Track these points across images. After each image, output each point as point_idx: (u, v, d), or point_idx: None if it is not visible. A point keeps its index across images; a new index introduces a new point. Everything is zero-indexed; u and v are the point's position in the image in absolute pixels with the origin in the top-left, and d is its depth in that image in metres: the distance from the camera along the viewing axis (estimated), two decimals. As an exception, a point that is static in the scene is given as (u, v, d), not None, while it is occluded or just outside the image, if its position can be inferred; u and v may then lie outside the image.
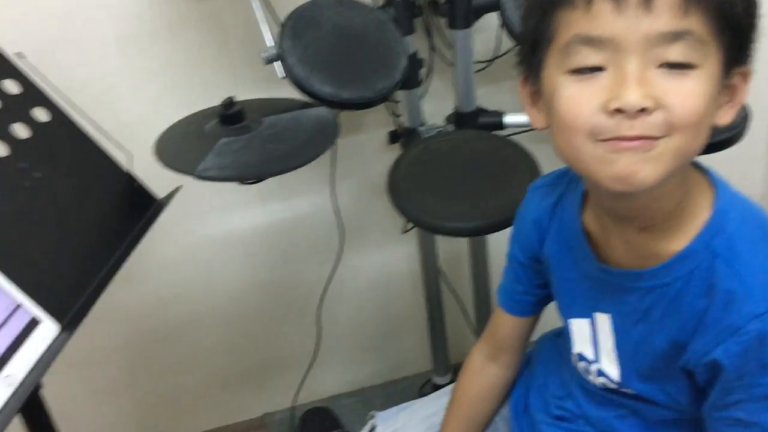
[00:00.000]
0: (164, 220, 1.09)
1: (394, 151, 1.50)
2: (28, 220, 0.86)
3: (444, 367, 1.73)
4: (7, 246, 0.82)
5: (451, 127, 1.40)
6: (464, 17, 1.30)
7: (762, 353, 0.65)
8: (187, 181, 1.02)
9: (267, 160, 1.00)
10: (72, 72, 1.30)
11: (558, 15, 0.63)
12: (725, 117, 0.66)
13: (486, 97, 1.41)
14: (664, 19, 0.59)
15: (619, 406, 0.83)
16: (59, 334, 0.82)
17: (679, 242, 0.70)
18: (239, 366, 1.74)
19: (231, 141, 1.03)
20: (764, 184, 1.85)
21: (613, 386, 0.81)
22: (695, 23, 0.59)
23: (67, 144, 0.97)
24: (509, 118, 1.37)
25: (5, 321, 0.78)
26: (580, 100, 0.62)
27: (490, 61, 1.45)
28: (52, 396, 0.99)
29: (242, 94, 1.24)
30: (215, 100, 1.11)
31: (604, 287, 0.78)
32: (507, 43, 1.42)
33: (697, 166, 0.73)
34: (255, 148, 1.02)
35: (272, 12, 1.28)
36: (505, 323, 0.96)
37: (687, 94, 0.60)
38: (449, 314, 1.66)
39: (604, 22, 0.60)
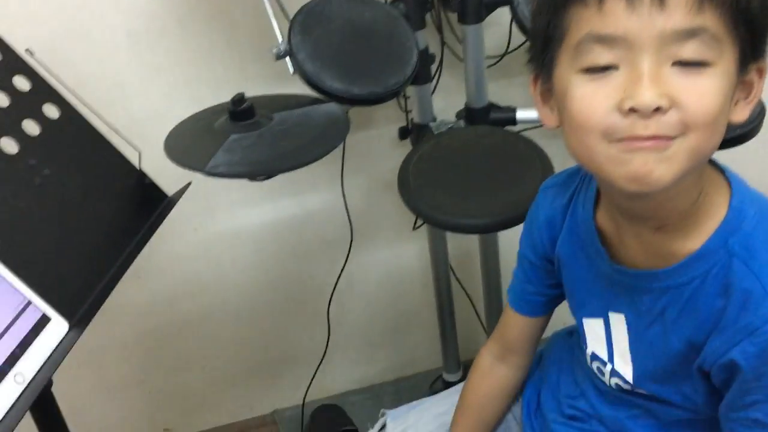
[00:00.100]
0: (174, 216, 1.09)
1: (405, 147, 1.49)
2: (38, 218, 0.86)
3: (454, 364, 1.72)
4: (16, 243, 0.81)
5: (462, 123, 1.39)
6: (475, 12, 1.29)
7: None
8: (198, 177, 1.01)
9: (277, 157, 0.99)
10: (82, 68, 1.30)
11: (570, 12, 0.62)
12: (741, 114, 0.65)
13: (498, 93, 1.40)
14: (678, 16, 0.58)
15: (632, 406, 0.82)
16: (69, 332, 0.81)
17: (695, 241, 0.69)
18: (249, 362, 1.74)
19: (241, 137, 1.03)
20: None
21: (626, 387, 0.80)
22: (710, 20, 0.58)
23: (76, 140, 0.96)
24: (521, 114, 1.36)
25: (15, 319, 0.78)
26: (593, 99, 0.61)
27: (502, 56, 1.44)
28: (62, 392, 0.99)
29: (252, 90, 1.24)
30: (225, 96, 1.11)
31: (618, 287, 0.77)
32: (519, 37, 1.40)
33: (713, 164, 0.72)
34: (265, 145, 1.02)
35: (282, 7, 1.27)
36: (515, 324, 0.95)
37: (702, 93, 0.59)
38: (459, 311, 1.66)
39: (617, 20, 0.59)
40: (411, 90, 1.37)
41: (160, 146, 1.06)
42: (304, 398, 1.75)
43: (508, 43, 1.43)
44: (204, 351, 1.69)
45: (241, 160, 0.98)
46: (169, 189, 1.11)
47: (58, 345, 0.80)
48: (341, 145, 1.39)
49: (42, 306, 0.80)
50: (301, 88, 1.15)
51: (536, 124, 1.39)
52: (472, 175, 1.16)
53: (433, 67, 1.39)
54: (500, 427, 1.01)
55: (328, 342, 1.71)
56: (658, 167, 0.60)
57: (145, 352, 1.65)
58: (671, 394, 0.76)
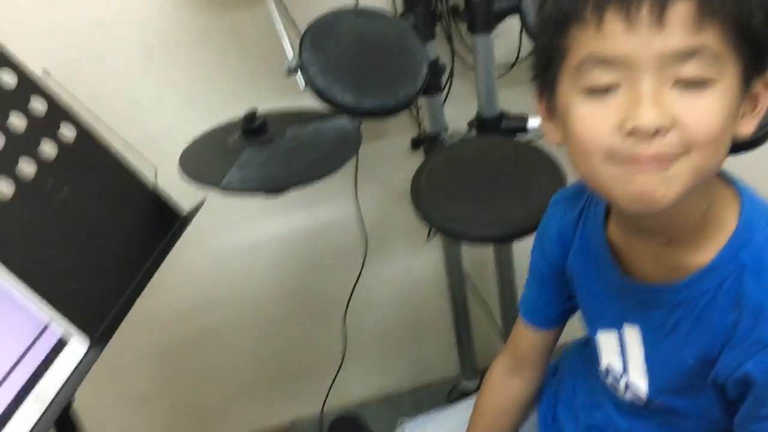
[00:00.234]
0: (191, 230, 1.10)
1: (417, 157, 1.50)
2: (57, 238, 0.87)
3: (471, 372, 1.72)
4: (36, 264, 0.83)
5: (473, 133, 1.39)
6: (485, 22, 1.29)
7: None
8: (213, 193, 1.03)
9: (290, 173, 1.00)
10: (97, 86, 1.32)
11: (570, 33, 0.62)
12: (747, 127, 0.64)
13: (509, 101, 1.40)
14: (677, 36, 0.57)
15: (649, 418, 0.82)
16: (89, 350, 0.83)
17: (705, 255, 0.68)
18: (267, 373, 1.75)
19: (254, 153, 1.04)
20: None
21: (642, 400, 0.80)
22: (710, 38, 0.57)
23: (93, 161, 0.98)
24: (533, 122, 1.36)
25: (35, 340, 0.79)
26: (594, 120, 0.61)
27: (512, 64, 1.44)
28: (83, 405, 1.00)
29: (265, 104, 1.25)
30: (238, 111, 1.12)
31: (631, 300, 0.77)
32: (528, 46, 1.41)
33: (722, 176, 0.72)
34: (278, 160, 1.03)
35: (292, 23, 1.28)
36: (527, 336, 0.95)
37: (703, 112, 0.58)
38: (475, 318, 1.66)
39: (616, 41, 0.58)
40: (422, 100, 1.38)
41: (175, 161, 1.07)
42: (322, 408, 1.76)
43: (518, 52, 1.43)
44: (222, 363, 1.71)
45: (255, 176, 0.99)
46: (185, 203, 1.12)
47: (78, 364, 0.81)
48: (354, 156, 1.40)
49: (63, 324, 0.82)
50: (313, 101, 1.16)
51: (548, 132, 1.39)
52: (485, 185, 1.17)
53: (444, 77, 1.40)
54: (517, 438, 1.01)
55: (345, 352, 1.71)
56: (660, 187, 0.60)
57: (164, 365, 1.67)
58: (688, 407, 0.76)
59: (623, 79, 0.59)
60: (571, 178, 0.96)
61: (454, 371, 1.77)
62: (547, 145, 1.23)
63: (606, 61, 0.59)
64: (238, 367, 1.72)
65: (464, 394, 1.71)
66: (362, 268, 1.62)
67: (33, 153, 0.89)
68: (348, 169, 1.49)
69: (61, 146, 0.93)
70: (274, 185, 0.99)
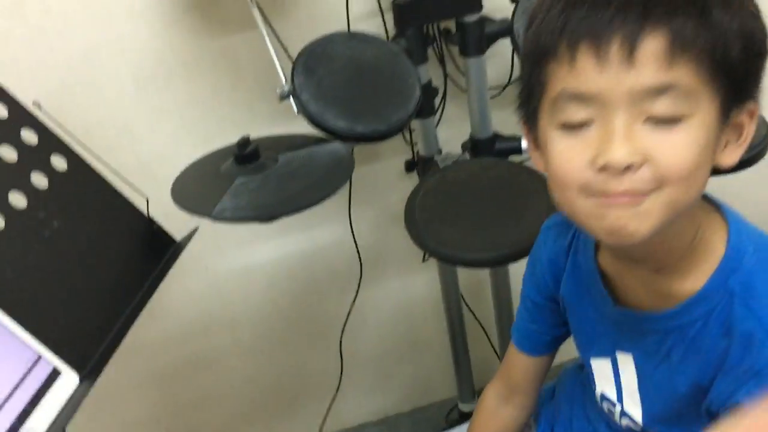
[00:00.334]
0: (185, 255, 1.10)
1: (411, 179, 1.50)
2: (47, 270, 0.87)
3: (469, 393, 1.71)
4: (26, 297, 0.82)
5: (467, 155, 1.39)
6: (477, 44, 1.30)
7: None
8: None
9: (283, 200, 1.00)
10: (90, 115, 1.32)
11: (548, 67, 0.62)
12: (731, 157, 0.64)
13: (502, 122, 1.41)
14: (647, 73, 0.57)
15: (645, 446, 0.81)
16: (80, 385, 0.82)
17: (695, 282, 0.68)
18: (264, 397, 1.74)
19: (247, 180, 1.03)
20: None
21: (637, 428, 0.79)
22: (682, 75, 0.57)
23: (85, 191, 0.97)
24: (526, 143, 1.36)
25: (26, 374, 0.78)
26: (570, 155, 0.62)
27: (505, 86, 1.44)
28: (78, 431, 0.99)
29: (259, 130, 1.25)
30: (232, 136, 1.12)
31: (624, 328, 0.77)
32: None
33: (709, 201, 0.71)
34: (271, 187, 1.02)
35: (285, 48, 1.29)
36: (520, 363, 0.94)
37: (675, 148, 0.58)
38: (472, 339, 1.65)
39: (588, 77, 0.59)
40: (416, 123, 1.38)
41: (169, 188, 1.07)
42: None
43: (511, 73, 1.43)
44: (219, 388, 1.69)
45: (248, 204, 0.98)
46: (179, 229, 1.12)
47: (68, 399, 0.80)
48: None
49: (52, 360, 0.81)
50: (308, 127, 1.16)
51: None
52: (479, 208, 1.16)
53: (437, 100, 1.40)
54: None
55: (341, 375, 1.70)
56: (632, 221, 0.60)
57: (160, 390, 1.66)
58: None
59: (596, 115, 0.60)
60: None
61: (452, 392, 1.76)
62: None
63: (579, 98, 0.60)
64: (234, 392, 1.71)
65: (463, 416, 1.70)
66: (358, 290, 1.61)
67: (24, 185, 0.89)
68: (342, 191, 1.49)
69: (53, 177, 0.93)
70: (266, 213, 0.98)
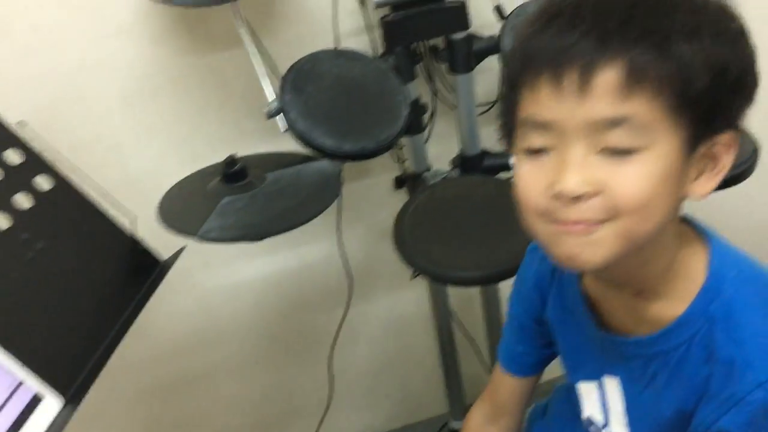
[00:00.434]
0: (173, 272, 1.09)
1: (400, 196, 1.49)
2: (31, 292, 0.85)
3: (460, 410, 1.70)
4: (8, 320, 0.81)
5: (456, 172, 1.39)
6: (465, 62, 1.30)
7: None
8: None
9: (269, 219, 0.99)
10: (77, 132, 1.31)
11: (519, 92, 0.63)
12: (703, 187, 0.63)
13: (491, 139, 1.41)
14: (602, 104, 0.57)
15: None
16: (63, 409, 0.81)
17: (676, 308, 0.67)
18: (253, 416, 1.73)
19: (234, 199, 1.03)
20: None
21: None
22: (638, 107, 0.57)
23: (69, 211, 0.96)
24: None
25: (7, 399, 0.77)
26: (530, 180, 0.62)
27: (494, 102, 1.44)
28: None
29: (247, 147, 1.25)
30: (220, 153, 1.12)
31: (608, 352, 0.76)
32: (509, 84, 1.41)
33: (692, 226, 0.71)
34: (258, 207, 1.02)
35: (273, 65, 1.29)
36: (506, 383, 0.94)
37: (630, 179, 0.58)
38: (463, 355, 1.64)
39: (546, 106, 0.59)
40: (405, 140, 1.38)
41: (156, 205, 1.06)
42: (310, 450, 1.74)
43: (499, 90, 1.43)
44: (206, 406, 1.68)
45: (234, 223, 0.98)
46: (167, 248, 1.10)
47: (51, 424, 0.79)
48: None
49: (35, 384, 0.80)
50: (295, 144, 1.15)
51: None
52: (467, 226, 1.16)
53: (426, 117, 1.40)
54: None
55: (331, 393, 1.69)
56: (585, 250, 0.60)
57: (147, 409, 1.64)
58: None
59: (554, 143, 0.60)
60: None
61: (443, 409, 1.75)
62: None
63: (538, 125, 0.60)
64: (222, 410, 1.70)
65: (453, 434, 1.69)
66: (347, 307, 1.61)
67: (7, 205, 0.88)
68: (331, 208, 1.48)
69: (37, 198, 0.92)
70: (252, 233, 0.98)
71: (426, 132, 1.42)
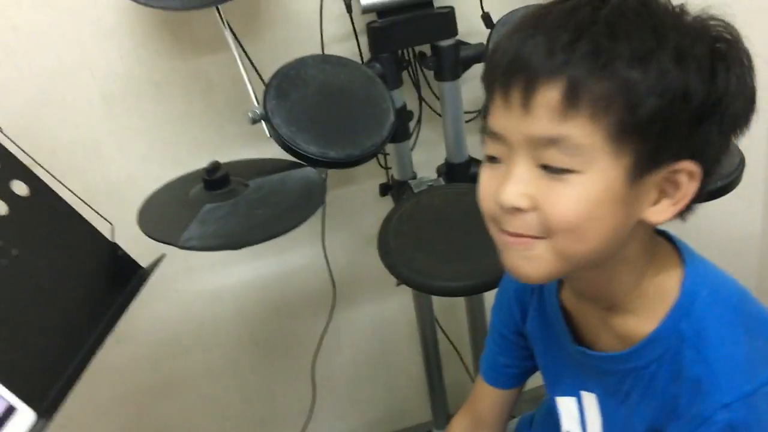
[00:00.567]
0: (154, 277, 1.06)
1: (386, 202, 1.48)
2: (4, 302, 0.83)
3: (444, 419, 1.69)
4: (-19, 330, 0.79)
5: (442, 180, 1.38)
6: (452, 69, 1.29)
7: None
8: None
9: (251, 228, 0.98)
10: (58, 134, 1.29)
11: (487, 99, 0.63)
12: (660, 215, 0.62)
13: (477, 147, 1.39)
14: (541, 122, 0.57)
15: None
16: (36, 422, 0.79)
17: (648, 325, 0.67)
18: (234, 424, 1.71)
19: (215, 207, 1.01)
20: (763, 223, 1.83)
21: None
22: (576, 129, 0.57)
23: (47, 217, 0.94)
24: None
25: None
26: (485, 186, 0.63)
27: (480, 110, 1.43)
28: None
29: (230, 153, 1.23)
30: (203, 158, 1.10)
31: (584, 367, 0.76)
32: (496, 92, 1.40)
33: (671, 242, 0.70)
34: (240, 215, 1.00)
35: (258, 70, 1.27)
36: (487, 395, 0.94)
37: (562, 199, 0.58)
38: (447, 364, 1.63)
39: (497, 117, 0.61)
40: (390, 147, 1.37)
41: (137, 210, 1.04)
42: (292, 458, 1.72)
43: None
44: (186, 413, 1.66)
45: (215, 232, 0.96)
46: (148, 254, 1.08)
47: (25, 436, 0.77)
48: (321, 202, 1.38)
49: (7, 396, 0.78)
50: (279, 150, 1.14)
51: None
52: (453, 235, 1.15)
53: (412, 124, 1.39)
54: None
55: (314, 400, 1.68)
56: (523, 264, 0.62)
57: (125, 415, 1.62)
58: None
59: (504, 154, 0.61)
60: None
61: (426, 417, 1.74)
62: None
63: (493, 135, 0.62)
64: (203, 417, 1.68)
65: (436, 443, 1.68)
66: (331, 314, 1.59)
67: (-19, 212, 0.86)
68: (316, 214, 1.47)
69: (13, 204, 0.89)
70: (233, 242, 0.96)
71: (412, 139, 1.41)
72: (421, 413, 1.77)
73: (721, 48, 0.59)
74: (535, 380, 0.94)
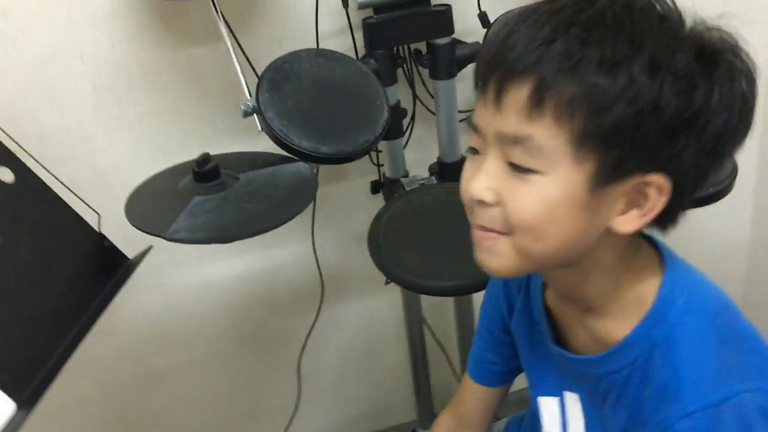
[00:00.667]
0: (141, 269, 1.05)
1: (377, 200, 1.47)
2: (-15, 291, 0.82)
3: (429, 418, 1.68)
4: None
5: (434, 179, 1.37)
6: (447, 68, 1.28)
7: None
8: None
9: (241, 222, 0.96)
10: (46, 121, 1.27)
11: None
12: (625, 225, 0.61)
13: (470, 147, 1.39)
14: (509, 121, 0.58)
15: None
16: (16, 413, 0.77)
17: (623, 329, 0.67)
18: (218, 419, 1.69)
19: (205, 200, 1.00)
20: (752, 231, 1.83)
21: None
22: (540, 130, 0.57)
23: (32, 205, 0.93)
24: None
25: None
26: (464, 176, 0.65)
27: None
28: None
29: (221, 145, 1.22)
30: (193, 150, 1.08)
31: (566, 369, 0.76)
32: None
33: (655, 247, 0.70)
34: (229, 208, 0.99)
35: (251, 63, 1.26)
36: (472, 393, 0.94)
37: (521, 198, 0.59)
38: (434, 363, 1.62)
39: (478, 111, 0.62)
40: (383, 144, 1.36)
41: (125, 200, 1.03)
42: (275, 455, 1.71)
43: (481, 97, 1.42)
44: (170, 407, 1.64)
45: (204, 224, 0.95)
46: (135, 245, 1.07)
47: (2, 429, 0.75)
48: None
49: (-14, 386, 0.76)
50: (270, 144, 1.13)
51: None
52: (443, 234, 1.14)
53: (405, 121, 1.38)
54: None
55: (299, 397, 1.67)
56: (488, 259, 0.64)
57: (109, 408, 1.60)
58: None
59: (482, 147, 0.62)
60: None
61: (411, 417, 1.73)
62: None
63: (473, 127, 0.63)
64: (187, 411, 1.66)
65: (421, 442, 1.68)
66: (319, 310, 1.58)
67: (-35, 199, 0.84)
68: (306, 209, 1.46)
69: (-2, 190, 0.88)
70: (222, 235, 0.95)
71: (405, 137, 1.40)
72: (406, 412, 1.77)
73: (707, 62, 0.57)
74: (522, 382, 0.93)
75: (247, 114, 1.10)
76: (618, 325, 0.67)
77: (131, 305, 1.47)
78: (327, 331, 1.64)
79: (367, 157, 1.42)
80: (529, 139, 0.57)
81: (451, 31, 1.25)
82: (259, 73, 1.13)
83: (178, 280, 1.50)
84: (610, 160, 0.57)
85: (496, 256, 0.63)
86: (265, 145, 1.14)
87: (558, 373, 0.78)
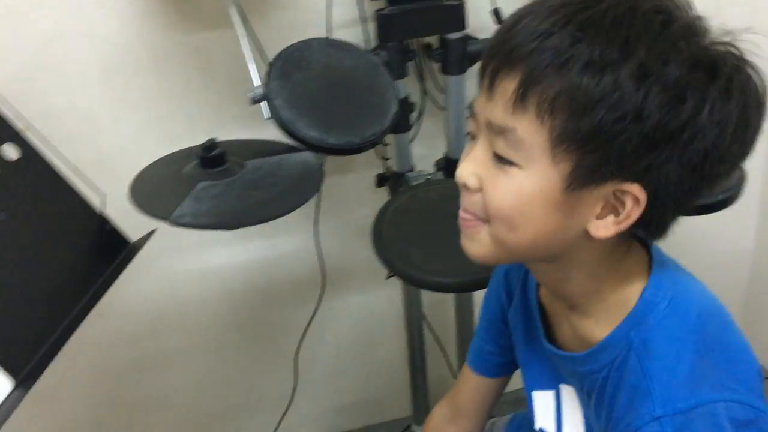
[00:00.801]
0: (142, 253, 1.05)
1: (381, 193, 1.46)
2: (-14, 267, 0.81)
3: (424, 414, 1.67)
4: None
5: (440, 174, 1.37)
6: (458, 63, 1.28)
7: None
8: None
9: (245, 209, 0.96)
10: (52, 100, 1.26)
11: None
12: (600, 230, 0.61)
13: (477, 144, 1.38)
14: (497, 111, 0.59)
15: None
16: (13, 392, 0.77)
17: (604, 329, 0.67)
18: (213, 407, 1.69)
19: (210, 185, 0.99)
20: (756, 239, 1.82)
21: None
22: (524, 124, 0.58)
23: (36, 183, 0.92)
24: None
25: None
26: (460, 160, 0.65)
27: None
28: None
29: (227, 132, 1.21)
30: (199, 136, 1.07)
31: (558, 365, 0.77)
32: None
33: (646, 251, 0.69)
34: (234, 195, 0.98)
35: (261, 50, 1.25)
36: (470, 383, 0.94)
37: (499, 189, 0.61)
38: (431, 359, 1.62)
39: (476, 98, 0.63)
40: (390, 138, 1.35)
41: (129, 184, 1.02)
42: (269, 446, 1.70)
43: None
44: (166, 393, 1.64)
45: (208, 210, 0.94)
46: (138, 229, 1.06)
47: (1, 404, 0.75)
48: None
49: (-16, 363, 0.76)
50: (278, 132, 1.12)
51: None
52: (448, 230, 1.12)
53: (414, 115, 1.37)
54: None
55: (295, 388, 1.66)
56: (470, 245, 0.66)
57: (104, 392, 1.59)
58: None
59: (476, 133, 0.64)
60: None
61: (407, 412, 1.73)
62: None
63: (472, 113, 0.64)
64: (182, 398, 1.66)
65: (415, 438, 1.67)
66: (318, 302, 1.57)
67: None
68: (309, 200, 1.45)
69: (2, 167, 0.87)
70: (226, 222, 0.94)
71: (412, 131, 1.39)
72: (401, 408, 1.76)
73: (703, 75, 0.55)
74: (518, 382, 0.92)
75: (255, 101, 1.09)
76: (600, 325, 0.68)
77: (130, 289, 1.47)
78: (326, 323, 1.63)
79: (373, 150, 1.41)
80: (512, 131, 0.58)
81: (464, 26, 1.24)
82: (269, 61, 1.12)
83: (179, 266, 1.50)
84: (587, 163, 0.57)
85: (477, 243, 0.64)
86: (272, 133, 1.13)
87: (552, 367, 0.79)
